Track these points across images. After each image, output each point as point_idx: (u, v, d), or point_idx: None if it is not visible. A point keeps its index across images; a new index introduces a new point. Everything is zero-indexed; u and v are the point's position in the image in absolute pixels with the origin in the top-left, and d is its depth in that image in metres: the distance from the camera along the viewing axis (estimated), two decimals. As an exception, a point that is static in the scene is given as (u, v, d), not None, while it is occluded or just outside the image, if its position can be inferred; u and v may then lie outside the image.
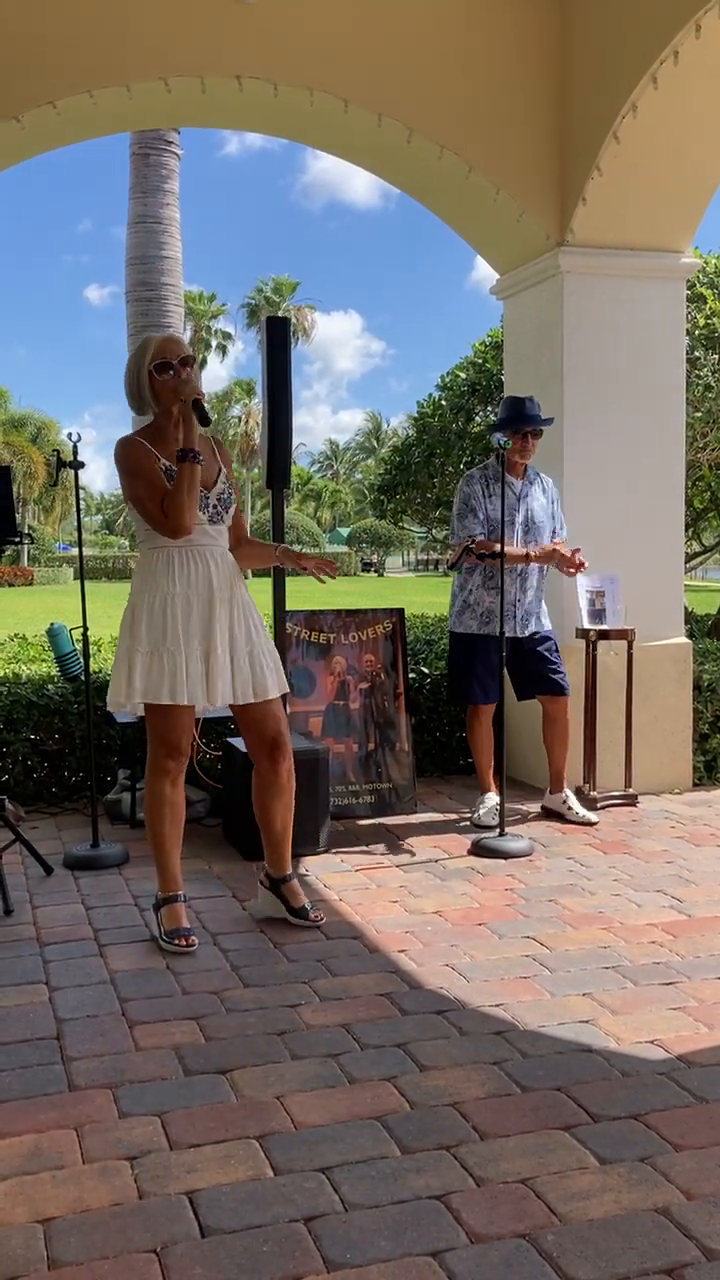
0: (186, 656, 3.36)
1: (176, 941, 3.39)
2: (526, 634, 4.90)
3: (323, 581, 3.39)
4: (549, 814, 5.05)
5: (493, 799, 4.92)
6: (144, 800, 3.50)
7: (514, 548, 4.80)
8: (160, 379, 3.41)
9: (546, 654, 4.93)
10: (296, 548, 3.56)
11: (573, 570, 4.81)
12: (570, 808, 4.96)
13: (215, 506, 3.47)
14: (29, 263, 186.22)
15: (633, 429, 5.47)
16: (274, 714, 3.55)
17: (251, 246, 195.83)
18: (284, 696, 3.64)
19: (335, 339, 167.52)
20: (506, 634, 4.83)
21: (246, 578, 3.67)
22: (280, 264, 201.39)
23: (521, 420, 4.78)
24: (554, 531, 4.98)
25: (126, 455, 3.40)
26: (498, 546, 4.62)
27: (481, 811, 4.89)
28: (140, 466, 3.38)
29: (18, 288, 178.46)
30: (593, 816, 4.91)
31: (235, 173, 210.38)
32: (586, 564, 4.88)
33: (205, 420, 3.33)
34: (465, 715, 5.16)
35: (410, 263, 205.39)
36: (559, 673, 4.93)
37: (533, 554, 4.77)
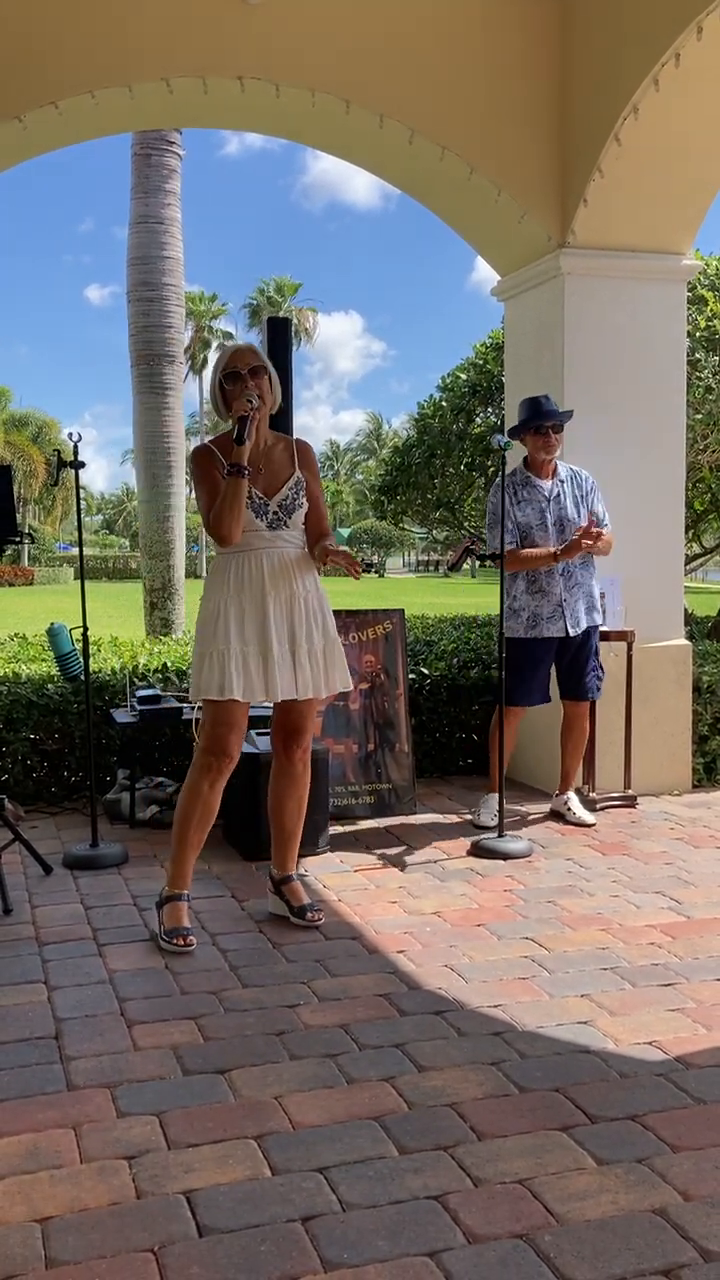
0: (244, 656, 3.43)
1: (175, 941, 3.39)
2: (580, 631, 4.84)
3: (357, 578, 3.46)
4: (554, 814, 5.06)
5: (494, 800, 4.93)
6: (181, 792, 3.52)
7: (540, 549, 4.74)
8: (230, 389, 3.47)
9: (591, 657, 4.89)
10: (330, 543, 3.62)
11: (590, 542, 4.58)
12: (570, 809, 4.97)
13: (276, 513, 3.50)
14: (30, 262, 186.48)
15: (633, 430, 5.47)
16: (302, 708, 3.61)
17: (252, 247, 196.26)
18: None
19: (336, 339, 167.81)
20: (557, 635, 4.78)
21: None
22: (281, 264, 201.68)
23: (541, 416, 4.76)
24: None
25: (191, 462, 3.55)
26: (508, 548, 4.63)
27: (482, 812, 4.90)
28: (202, 474, 3.49)
29: (18, 288, 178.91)
30: (589, 818, 4.91)
31: (235, 173, 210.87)
32: (605, 533, 4.66)
33: (239, 439, 3.34)
34: (492, 715, 5.12)
35: (411, 263, 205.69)
36: (588, 674, 4.90)
37: (558, 552, 4.67)
